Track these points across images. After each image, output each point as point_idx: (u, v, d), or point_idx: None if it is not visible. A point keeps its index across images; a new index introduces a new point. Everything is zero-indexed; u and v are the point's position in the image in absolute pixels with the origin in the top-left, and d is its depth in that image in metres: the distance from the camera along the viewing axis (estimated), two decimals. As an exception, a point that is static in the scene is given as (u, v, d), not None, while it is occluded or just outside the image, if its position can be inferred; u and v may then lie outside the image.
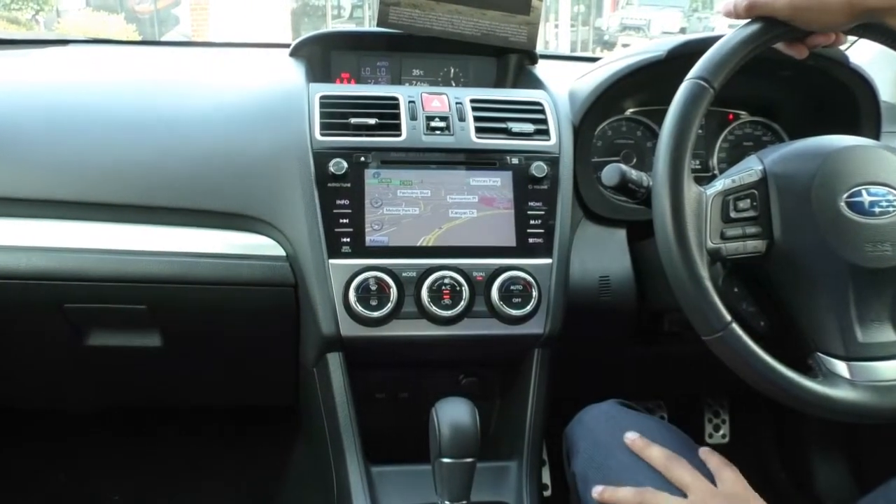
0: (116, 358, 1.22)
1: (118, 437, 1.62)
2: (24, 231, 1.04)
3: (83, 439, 1.60)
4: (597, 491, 0.87)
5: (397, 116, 1.07)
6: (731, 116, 1.24)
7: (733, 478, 0.85)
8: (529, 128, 1.09)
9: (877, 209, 0.82)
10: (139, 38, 7.98)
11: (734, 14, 0.84)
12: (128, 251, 1.04)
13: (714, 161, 1.23)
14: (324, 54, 1.31)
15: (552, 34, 12.42)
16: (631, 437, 0.90)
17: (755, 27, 0.83)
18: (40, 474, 1.58)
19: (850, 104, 1.13)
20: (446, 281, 1.01)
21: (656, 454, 0.87)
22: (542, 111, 1.12)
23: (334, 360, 1.05)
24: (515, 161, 1.07)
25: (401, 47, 1.32)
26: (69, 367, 1.28)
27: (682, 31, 12.53)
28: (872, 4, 0.79)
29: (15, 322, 1.13)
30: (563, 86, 1.20)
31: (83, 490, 1.57)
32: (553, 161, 1.08)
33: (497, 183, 1.06)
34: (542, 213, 1.06)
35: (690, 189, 0.81)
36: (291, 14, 12.58)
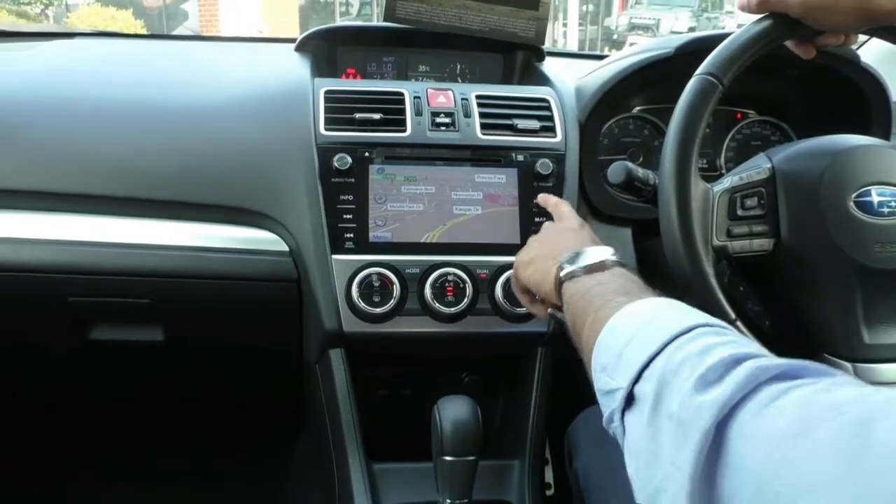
0: (119, 352, 1.22)
1: (119, 432, 1.62)
2: (30, 224, 1.04)
3: (85, 433, 1.60)
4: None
5: (402, 112, 1.07)
6: (739, 115, 1.23)
7: (568, 212, 0.94)
8: (535, 125, 1.08)
9: (885, 209, 0.81)
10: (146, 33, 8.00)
11: (747, 8, 0.83)
12: (132, 245, 1.04)
13: (722, 160, 1.23)
14: (330, 49, 1.31)
15: (560, 33, 12.42)
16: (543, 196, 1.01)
17: (766, 24, 0.82)
18: (42, 468, 1.58)
19: (861, 103, 1.12)
20: (450, 278, 1.00)
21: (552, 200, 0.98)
22: (549, 108, 1.11)
23: (336, 357, 1.05)
24: (521, 158, 1.06)
25: (407, 43, 1.32)
26: (72, 361, 1.28)
27: (691, 31, 12.46)
28: (884, 9, 0.78)
29: (19, 315, 1.13)
30: (570, 83, 1.19)
31: (84, 484, 1.57)
32: (559, 158, 1.07)
33: (502, 180, 1.05)
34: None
35: (697, 185, 0.81)
36: (300, 10, 12.60)
